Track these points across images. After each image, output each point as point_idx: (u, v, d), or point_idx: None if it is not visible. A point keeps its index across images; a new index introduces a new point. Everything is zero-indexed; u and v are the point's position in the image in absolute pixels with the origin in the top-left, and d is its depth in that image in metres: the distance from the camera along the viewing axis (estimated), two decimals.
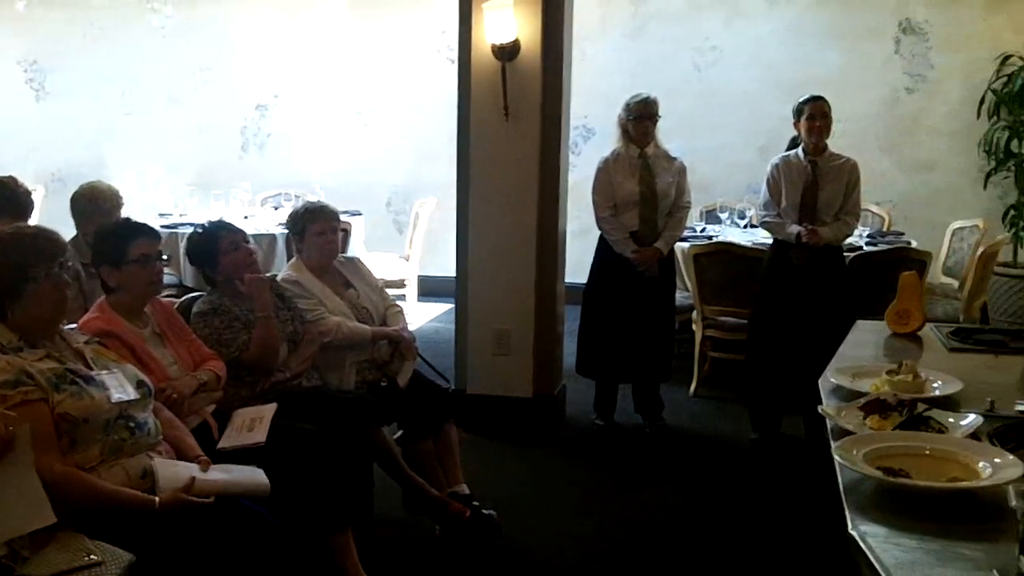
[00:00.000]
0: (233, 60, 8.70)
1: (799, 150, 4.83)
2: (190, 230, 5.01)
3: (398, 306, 4.16)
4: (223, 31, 8.67)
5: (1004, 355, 2.99)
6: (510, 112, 4.86)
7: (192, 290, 3.99)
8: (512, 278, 5.05)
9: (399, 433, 3.86)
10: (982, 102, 7.28)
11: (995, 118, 7.24)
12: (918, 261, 5.33)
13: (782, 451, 4.94)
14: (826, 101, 4.75)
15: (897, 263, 5.17)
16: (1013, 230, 7.10)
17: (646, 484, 4.55)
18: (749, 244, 5.66)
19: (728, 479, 4.62)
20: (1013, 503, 1.55)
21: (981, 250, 5.99)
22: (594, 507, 4.28)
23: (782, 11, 7.68)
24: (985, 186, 7.34)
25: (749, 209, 6.37)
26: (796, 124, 4.81)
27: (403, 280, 7.40)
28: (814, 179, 4.78)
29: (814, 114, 4.71)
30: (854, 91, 7.36)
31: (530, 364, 5.11)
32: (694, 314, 5.72)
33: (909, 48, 7.52)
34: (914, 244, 5.98)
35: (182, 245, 5.30)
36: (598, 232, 5.11)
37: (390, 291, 6.80)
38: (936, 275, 6.62)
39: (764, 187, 4.92)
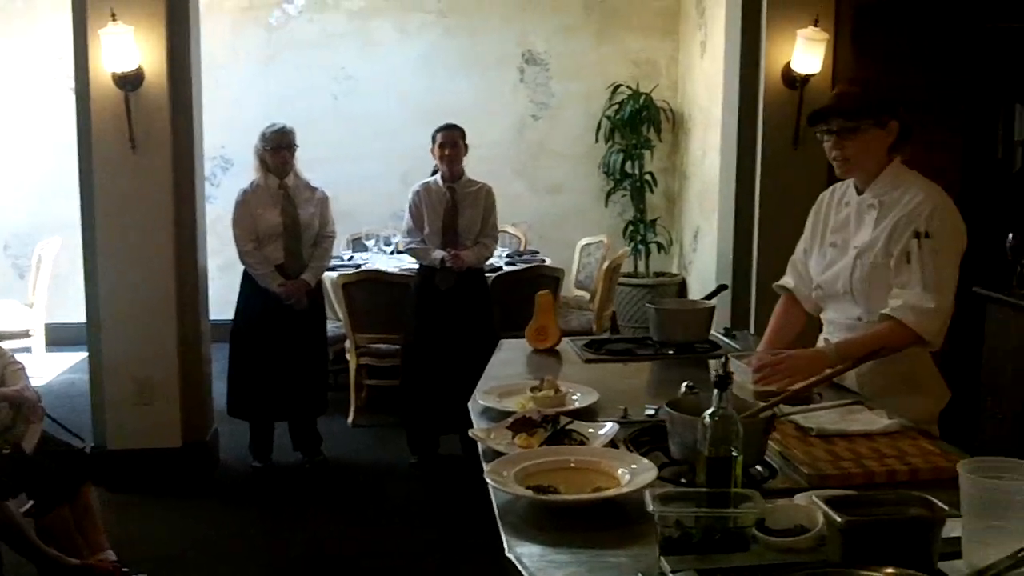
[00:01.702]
0: None
1: (438, 176, 4.98)
2: None
3: (18, 363, 3.73)
4: None
5: (632, 362, 3.21)
6: (137, 144, 4.59)
7: None
8: (151, 320, 4.75)
9: (29, 504, 3.49)
10: (599, 128, 7.90)
11: (611, 142, 7.89)
12: (552, 278, 5.68)
13: (441, 471, 5.03)
14: (459, 130, 4.94)
15: (534, 280, 5.49)
16: (632, 243, 7.76)
17: (309, 522, 4.46)
18: (396, 271, 5.73)
19: (392, 505, 4.63)
20: (650, 508, 1.65)
21: (607, 263, 6.48)
22: (256, 553, 4.12)
23: (414, 41, 7.89)
24: (606, 204, 7.97)
25: (394, 236, 6.46)
26: (432, 151, 4.95)
27: (28, 330, 6.73)
28: (453, 204, 4.95)
29: (445, 143, 4.89)
30: (487, 118, 7.71)
31: (177, 411, 4.83)
32: (347, 343, 5.69)
33: (533, 77, 8.00)
34: (548, 261, 6.35)
35: None
36: (243, 267, 4.95)
37: (12, 343, 6.23)
38: (570, 289, 7.08)
39: (407, 214, 5.02)
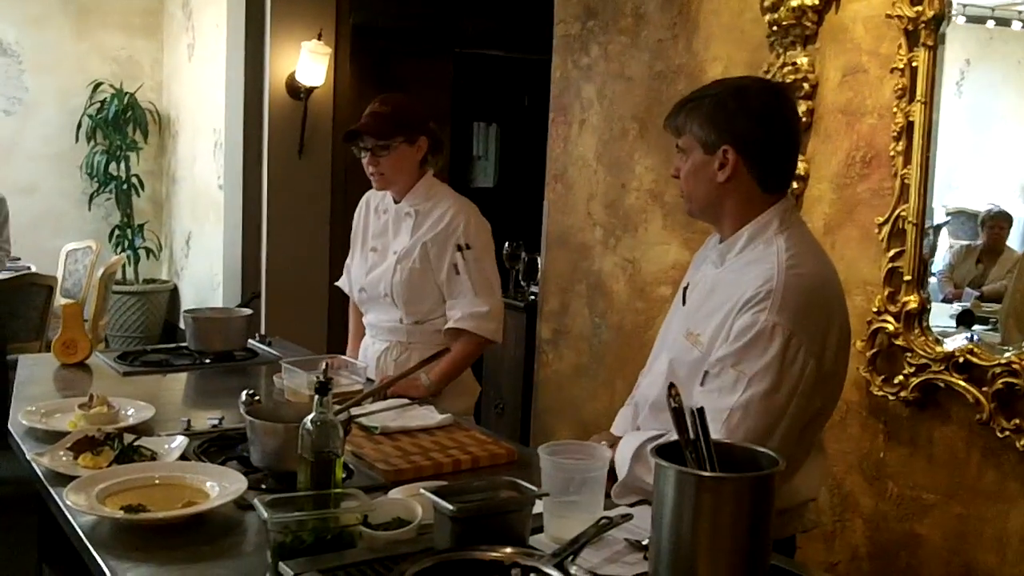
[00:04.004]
0: None
1: None
2: None
3: None
4: None
5: (171, 373, 3.13)
6: None
7: None
8: None
9: None
10: (79, 127, 7.40)
11: (93, 142, 7.43)
12: (45, 287, 5.29)
13: None
14: None
15: (24, 289, 5.12)
16: (120, 249, 7.39)
17: None
18: None
19: None
20: (264, 515, 1.68)
21: (101, 271, 6.11)
22: None
23: None
24: (90, 208, 7.49)
25: None
26: None
27: None
28: None
29: None
30: None
31: None
32: None
33: (3, 70, 7.26)
34: (34, 269, 5.87)
35: None
36: None
37: None
38: (57, 298, 6.56)
39: None
